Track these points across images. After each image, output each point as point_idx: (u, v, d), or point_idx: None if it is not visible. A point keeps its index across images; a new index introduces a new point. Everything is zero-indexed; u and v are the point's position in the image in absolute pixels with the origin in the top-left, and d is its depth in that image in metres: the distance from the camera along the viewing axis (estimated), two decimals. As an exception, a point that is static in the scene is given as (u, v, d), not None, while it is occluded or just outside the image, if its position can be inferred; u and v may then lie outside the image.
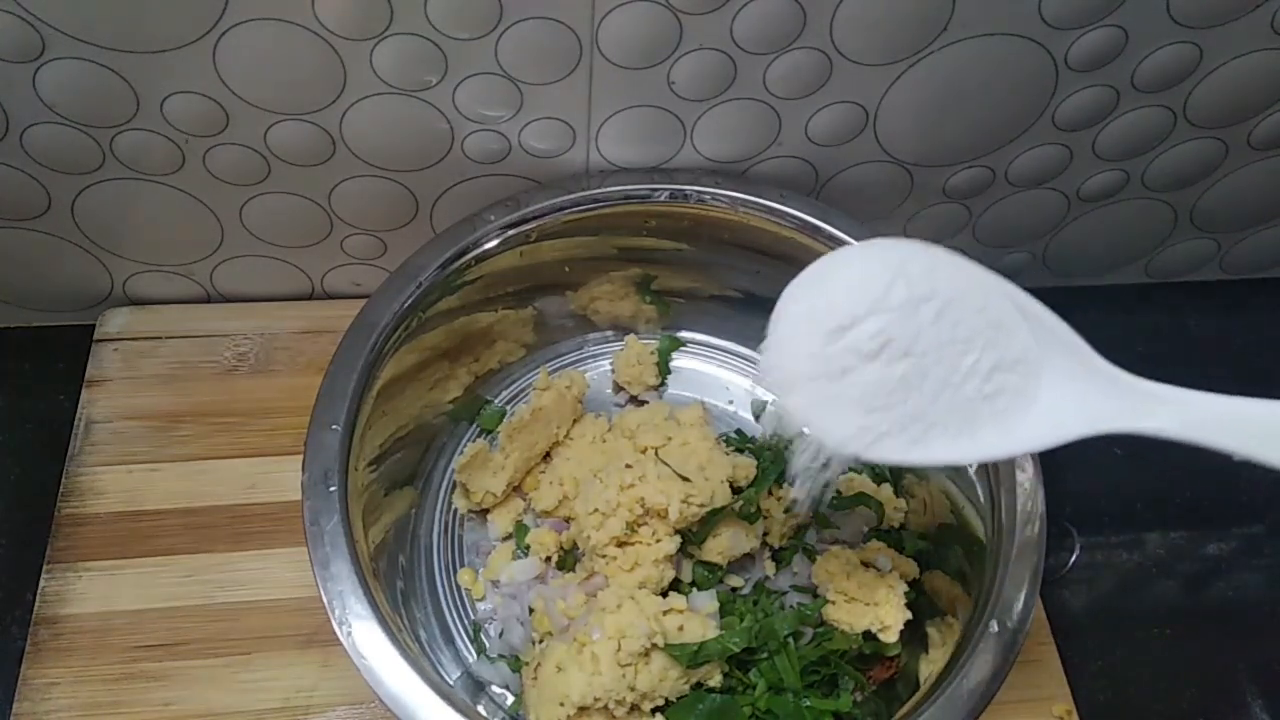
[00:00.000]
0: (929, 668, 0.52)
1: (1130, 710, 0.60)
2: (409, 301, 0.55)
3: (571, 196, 0.60)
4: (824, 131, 0.60)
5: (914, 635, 0.54)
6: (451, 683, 0.55)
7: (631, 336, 0.68)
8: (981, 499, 0.53)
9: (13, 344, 0.68)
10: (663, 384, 0.67)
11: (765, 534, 0.59)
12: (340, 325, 0.54)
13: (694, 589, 0.56)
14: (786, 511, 0.59)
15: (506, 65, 0.54)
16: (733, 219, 0.61)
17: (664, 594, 0.54)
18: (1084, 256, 0.74)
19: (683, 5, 0.52)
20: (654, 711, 0.52)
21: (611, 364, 0.68)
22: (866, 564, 0.56)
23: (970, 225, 0.69)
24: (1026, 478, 0.51)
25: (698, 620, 0.53)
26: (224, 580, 0.58)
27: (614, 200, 0.60)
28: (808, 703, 0.53)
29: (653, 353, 0.67)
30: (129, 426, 0.63)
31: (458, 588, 0.59)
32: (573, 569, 0.58)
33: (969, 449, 0.42)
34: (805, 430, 0.42)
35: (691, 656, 0.51)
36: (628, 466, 0.55)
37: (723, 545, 0.56)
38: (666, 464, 0.55)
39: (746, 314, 0.66)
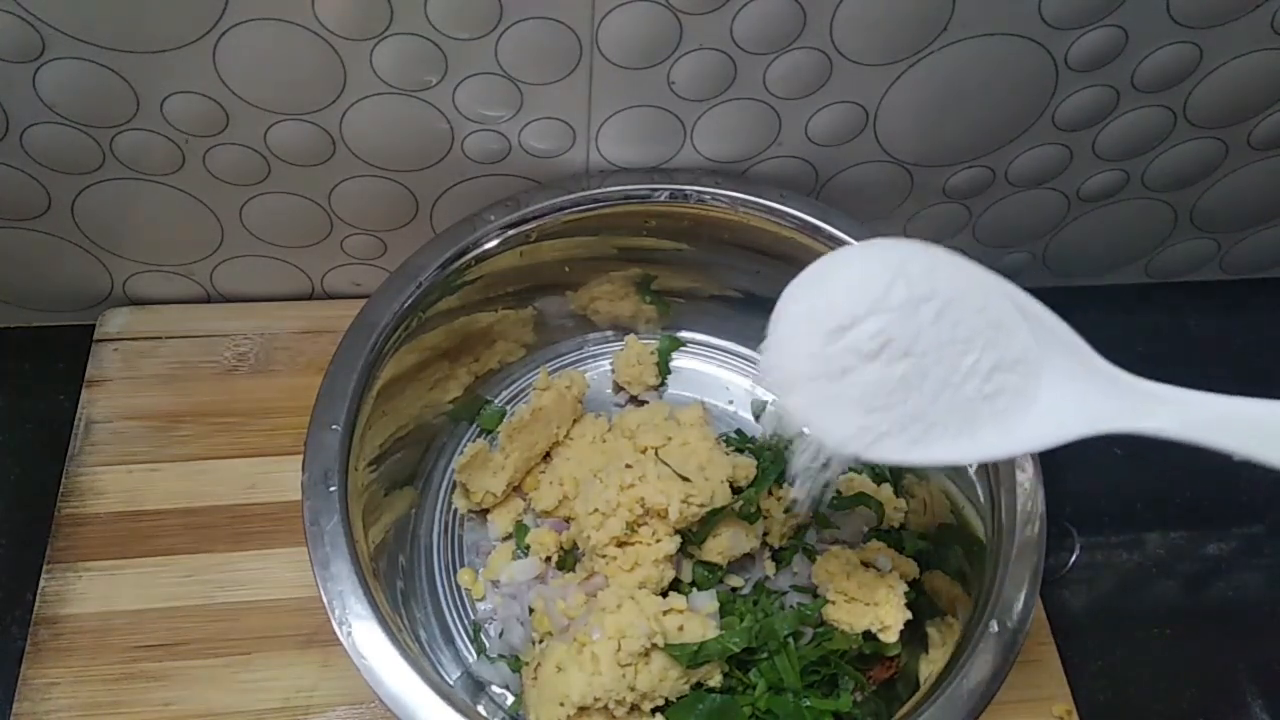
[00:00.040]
0: (929, 668, 0.52)
1: (1130, 710, 0.60)
2: (409, 301, 0.55)
3: (571, 196, 0.60)
4: (824, 131, 0.60)
5: (914, 635, 0.54)
6: (451, 683, 0.55)
7: (631, 336, 0.68)
8: (981, 499, 0.53)
9: (13, 344, 0.68)
10: (663, 384, 0.67)
11: (765, 534, 0.59)
12: (340, 325, 0.54)
13: (694, 589, 0.56)
14: (786, 511, 0.59)
15: (506, 65, 0.54)
16: (733, 219, 0.61)
17: (664, 594, 0.54)
18: (1084, 256, 0.74)
19: (683, 5, 0.52)
20: (654, 711, 0.52)
21: (611, 364, 0.68)
22: (866, 564, 0.56)
23: (970, 225, 0.69)
24: (1026, 478, 0.51)
25: (698, 620, 0.53)
26: (224, 580, 0.58)
27: (614, 200, 0.60)
28: (808, 703, 0.53)
29: (653, 353, 0.67)
30: (129, 426, 0.63)
31: (458, 588, 0.59)
32: (573, 569, 0.58)
33: (969, 449, 0.42)
34: (805, 430, 0.42)
35: (691, 656, 0.51)
36: (628, 466, 0.55)
37: (723, 545, 0.56)
38: (666, 464, 0.55)
39: (746, 314, 0.66)
